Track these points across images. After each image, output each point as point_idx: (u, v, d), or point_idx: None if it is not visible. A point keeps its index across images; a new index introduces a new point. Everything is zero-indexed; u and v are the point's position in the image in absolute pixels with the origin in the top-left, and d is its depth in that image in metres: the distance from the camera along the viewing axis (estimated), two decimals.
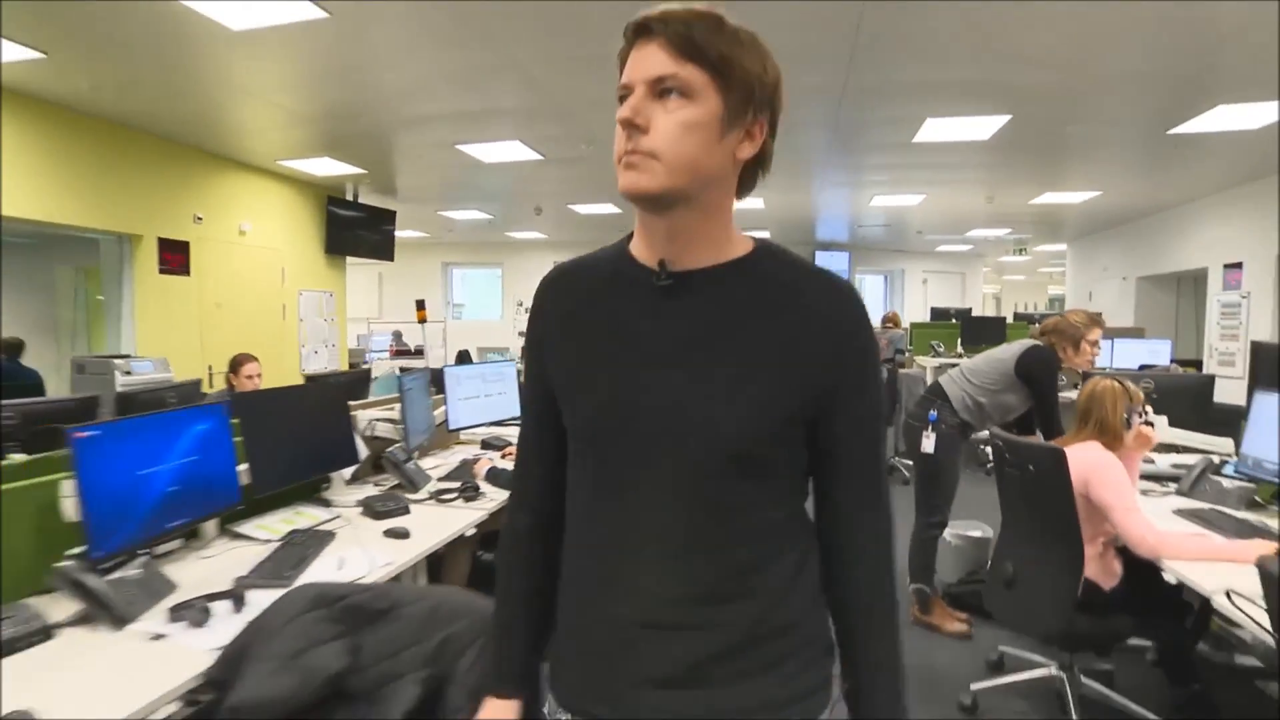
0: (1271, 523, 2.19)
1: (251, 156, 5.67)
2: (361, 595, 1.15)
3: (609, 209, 7.60)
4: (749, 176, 0.77)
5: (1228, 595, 1.56)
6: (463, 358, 8.00)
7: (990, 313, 11.54)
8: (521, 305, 10.58)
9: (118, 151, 4.69)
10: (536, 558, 0.84)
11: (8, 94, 3.86)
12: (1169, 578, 1.97)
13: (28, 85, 3.91)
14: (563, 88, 4.13)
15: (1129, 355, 5.43)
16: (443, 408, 3.14)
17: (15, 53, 3.40)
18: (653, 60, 0.68)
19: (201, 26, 3.17)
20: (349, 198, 7.12)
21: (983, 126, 4.97)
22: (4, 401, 2.59)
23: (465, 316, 11.82)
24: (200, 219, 5.41)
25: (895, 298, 11.96)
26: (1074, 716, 2.22)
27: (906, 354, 6.96)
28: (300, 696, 0.99)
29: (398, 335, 9.28)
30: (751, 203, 7.68)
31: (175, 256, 5.20)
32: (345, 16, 3.13)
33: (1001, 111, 4.68)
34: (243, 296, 5.81)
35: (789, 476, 0.76)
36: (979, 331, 6.51)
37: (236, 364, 3.68)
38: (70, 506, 1.49)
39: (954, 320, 8.23)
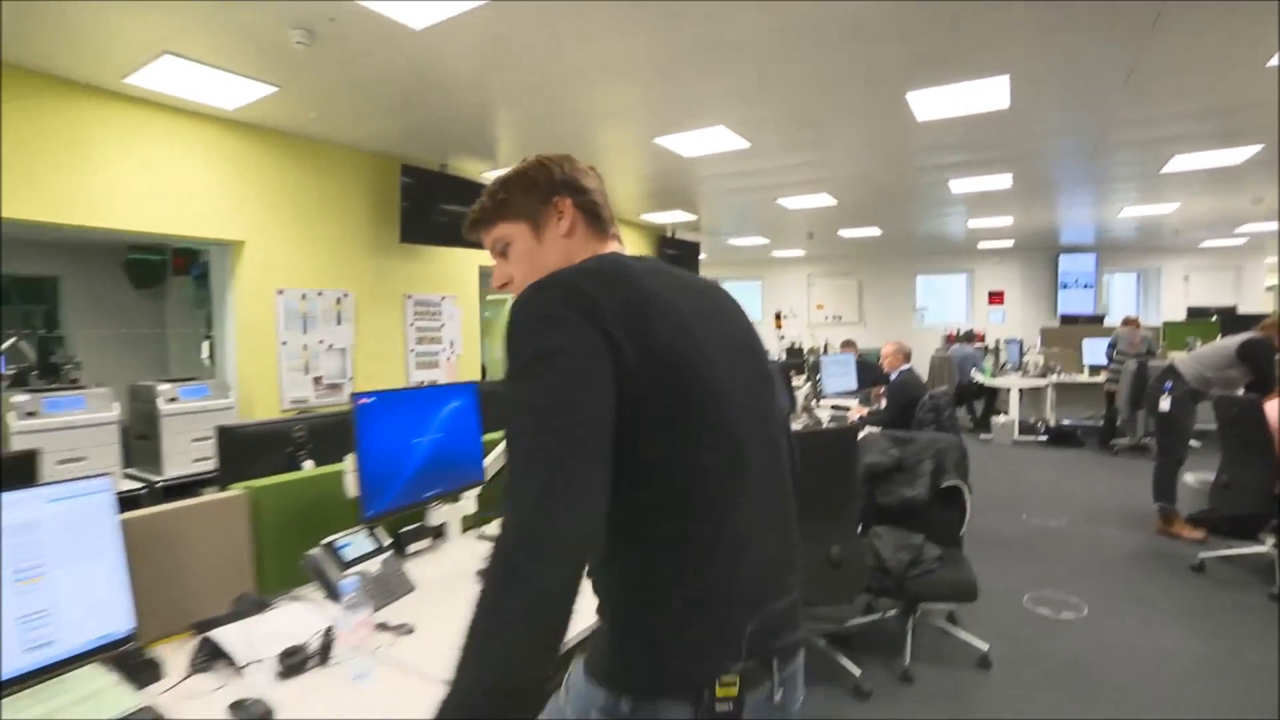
0: None
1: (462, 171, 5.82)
2: None
3: (825, 200, 7.45)
4: (592, 219, 1.04)
5: None
6: None
7: (1264, 308, 11.03)
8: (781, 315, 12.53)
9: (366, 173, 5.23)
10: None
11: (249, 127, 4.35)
12: None
13: (263, 119, 4.26)
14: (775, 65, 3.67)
15: None
16: None
17: (253, 89, 3.72)
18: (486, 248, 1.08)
19: (390, 29, 3.03)
20: None
21: (1233, 155, 5.72)
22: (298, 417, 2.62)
23: None
24: None
25: (1149, 297, 11.92)
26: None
27: (1156, 351, 7.58)
28: None
29: None
30: (1000, 220, 8.82)
31: None
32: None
33: (1252, 141, 5.40)
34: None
35: None
36: (1242, 330, 7.02)
37: None
38: (350, 481, 1.66)
39: (1214, 319, 8.59)
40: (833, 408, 4.95)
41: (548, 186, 1.03)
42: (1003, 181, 6.52)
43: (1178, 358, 4.40)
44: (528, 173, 1.05)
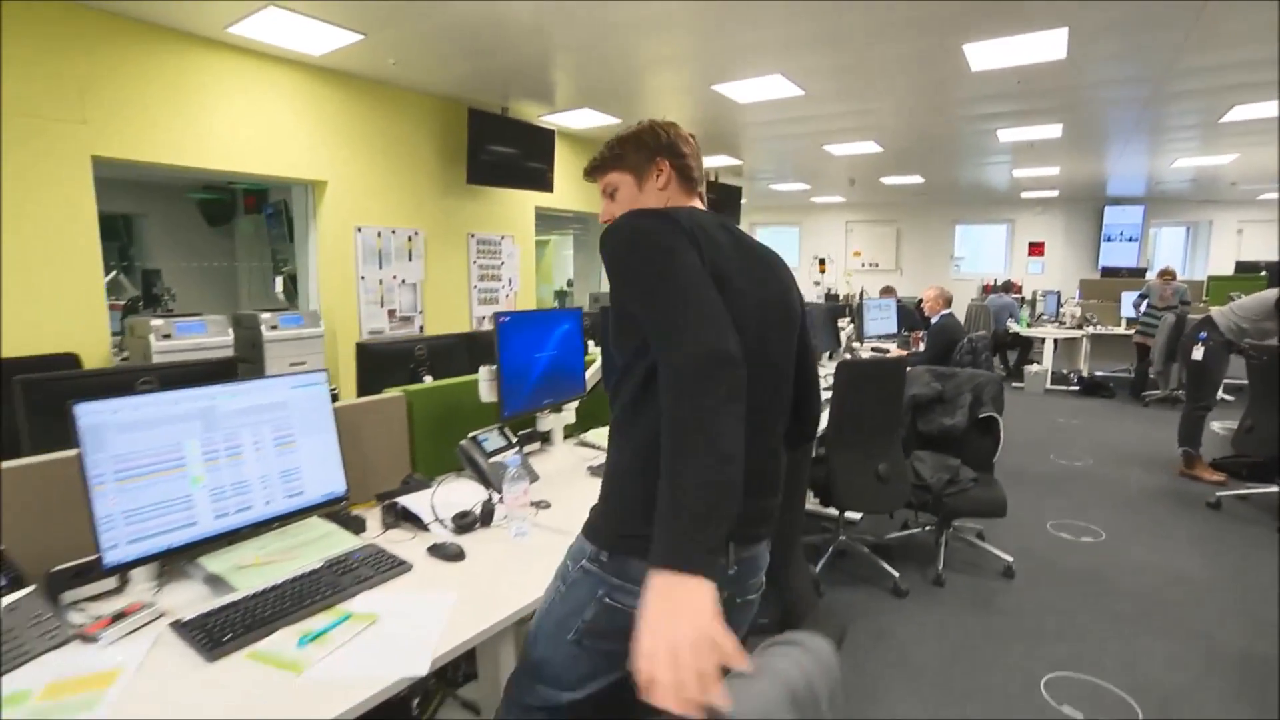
0: None
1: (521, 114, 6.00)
2: None
3: (871, 147, 7.52)
4: (684, 179, 1.25)
5: None
6: None
7: None
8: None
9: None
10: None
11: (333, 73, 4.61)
12: None
13: (346, 65, 4.53)
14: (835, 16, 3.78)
15: None
16: None
17: (341, 36, 3.94)
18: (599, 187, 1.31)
19: None
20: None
21: None
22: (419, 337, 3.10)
23: None
24: None
25: (1197, 250, 11.73)
26: None
27: (1190, 303, 7.59)
28: None
29: None
30: (1046, 170, 8.75)
31: None
32: None
33: None
34: None
35: None
36: None
37: None
38: (485, 389, 2.00)
39: (1263, 273, 8.53)
40: (872, 349, 5.19)
41: (654, 148, 1.24)
42: (1052, 131, 6.51)
43: (1215, 309, 4.54)
44: (640, 135, 1.26)
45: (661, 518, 0.83)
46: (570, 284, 9.42)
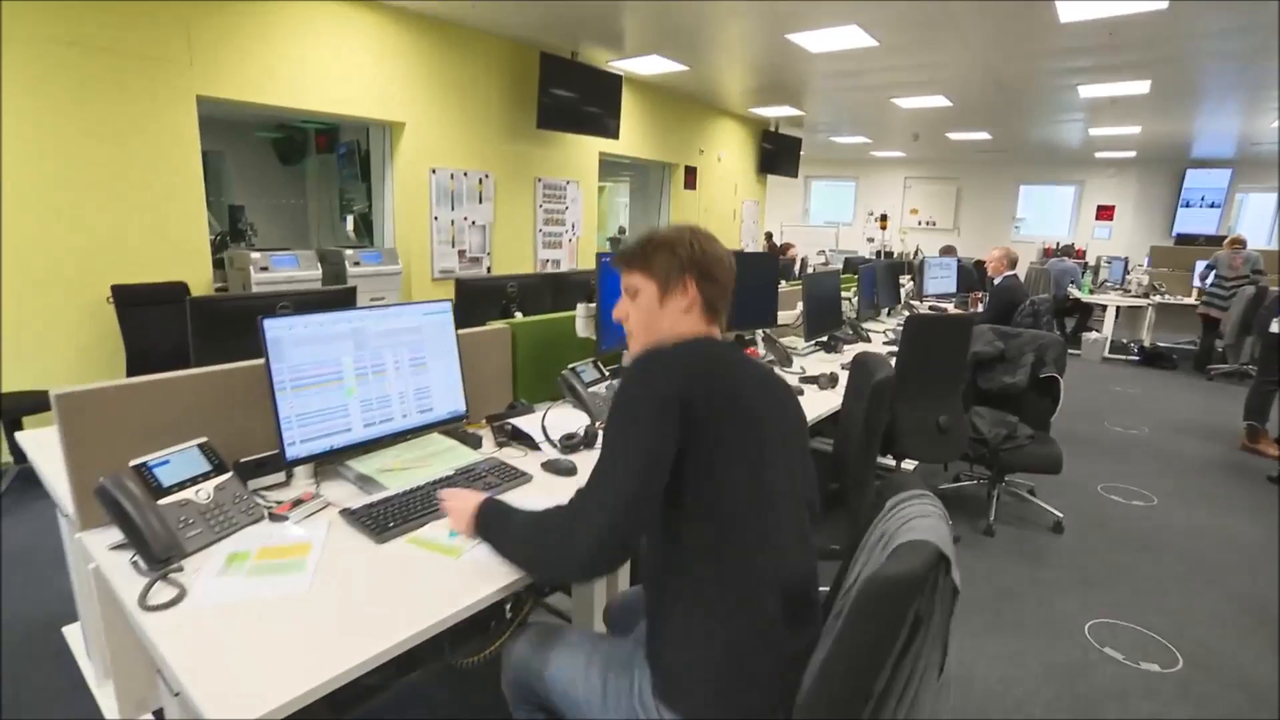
0: None
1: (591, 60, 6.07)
2: None
3: (939, 101, 7.35)
4: (708, 307, 1.22)
5: None
6: None
7: None
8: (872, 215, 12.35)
9: (665, 107, 7.52)
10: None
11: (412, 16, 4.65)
12: None
13: (424, 8, 4.67)
14: None
15: None
16: None
17: None
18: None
19: None
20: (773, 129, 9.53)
21: None
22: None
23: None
24: (702, 151, 8.25)
25: None
26: None
27: (1264, 273, 7.26)
28: None
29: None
30: (1126, 130, 8.35)
31: (690, 178, 8.14)
32: None
33: None
34: (716, 203, 8.68)
35: None
36: None
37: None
38: (582, 325, 2.16)
39: None
40: (929, 307, 5.20)
41: (685, 261, 1.21)
42: (1139, 87, 6.22)
43: None
44: (675, 242, 1.22)
45: (513, 521, 1.21)
46: (622, 230, 9.50)
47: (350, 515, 1.38)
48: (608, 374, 2.22)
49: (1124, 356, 7.80)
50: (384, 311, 1.64)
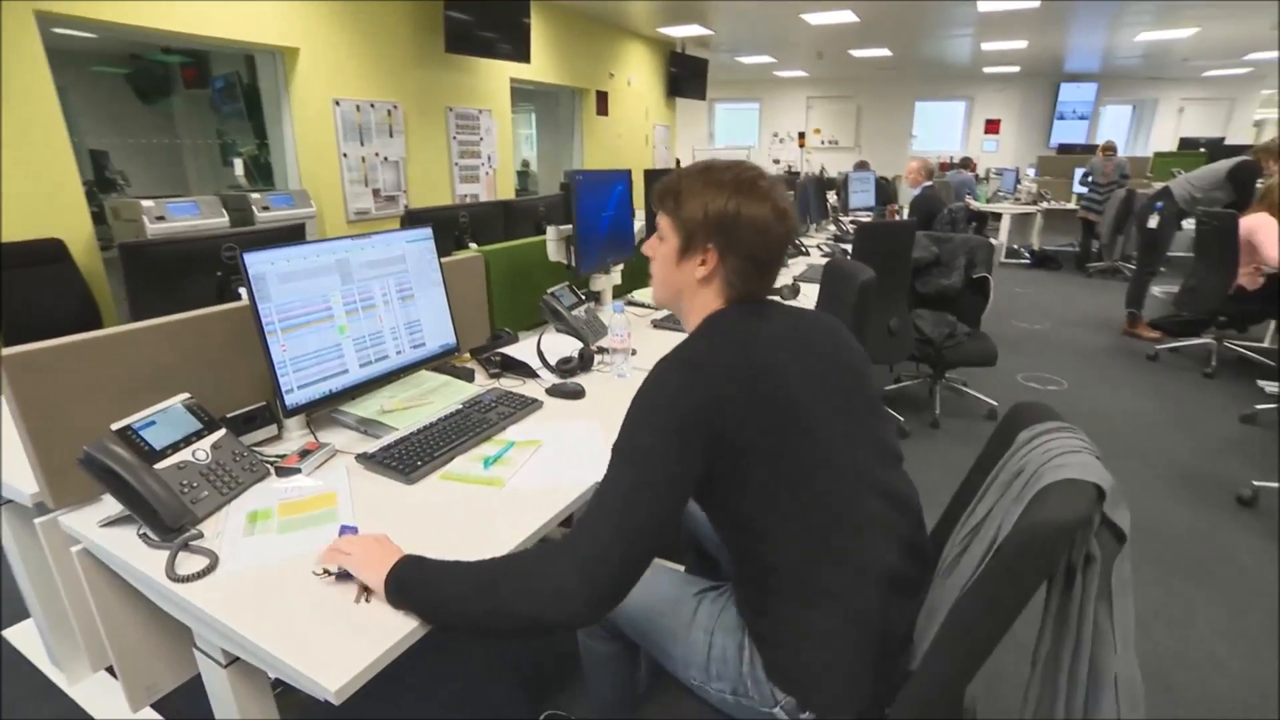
0: None
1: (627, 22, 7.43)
2: None
3: (847, 16, 7.37)
4: (735, 278, 1.00)
5: None
6: None
7: (1249, 140, 11.41)
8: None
9: (574, 30, 7.17)
10: None
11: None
12: None
13: None
14: None
15: None
16: None
17: None
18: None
19: None
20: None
21: None
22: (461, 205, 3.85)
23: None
24: (612, 75, 7.96)
25: (1141, 129, 12.14)
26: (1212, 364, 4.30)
27: (1129, 178, 7.95)
28: None
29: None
30: (1012, 44, 8.74)
31: (602, 104, 7.86)
32: None
33: None
34: (629, 128, 8.46)
35: None
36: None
37: None
38: (554, 248, 2.08)
39: (1202, 150, 8.98)
40: (851, 222, 5.37)
41: (711, 221, 0.99)
42: (1032, 2, 6.48)
43: (1173, 182, 4.85)
44: (710, 193, 0.99)
45: (455, 568, 0.88)
46: (526, 164, 9.07)
47: (370, 459, 1.29)
48: (583, 297, 2.15)
49: (1016, 261, 8.42)
50: (366, 240, 1.49)
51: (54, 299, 3.09)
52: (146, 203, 3.33)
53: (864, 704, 0.91)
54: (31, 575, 1.69)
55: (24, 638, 1.95)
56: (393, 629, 0.86)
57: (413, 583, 0.88)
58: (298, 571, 0.98)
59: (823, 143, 13.31)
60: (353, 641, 0.84)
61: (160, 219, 3.33)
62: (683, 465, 0.85)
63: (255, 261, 1.27)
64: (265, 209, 3.89)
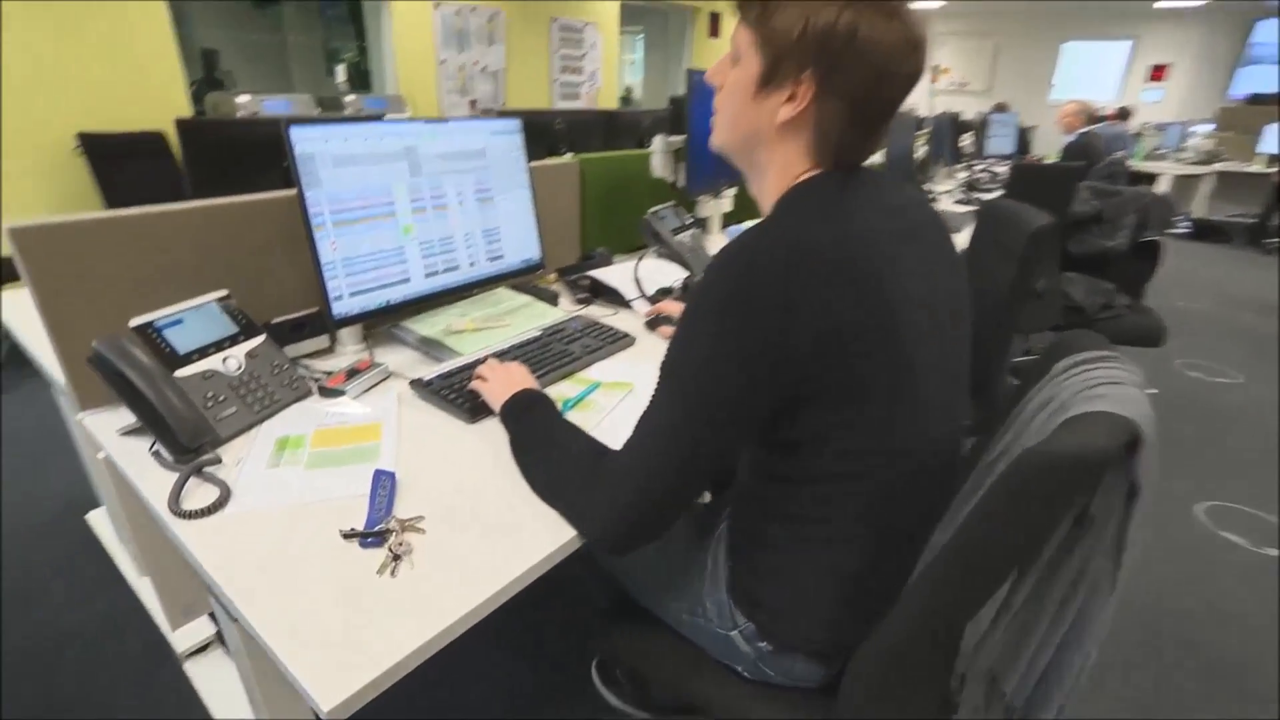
0: None
1: None
2: None
3: None
4: (846, 126, 0.69)
5: None
6: None
7: None
8: None
9: None
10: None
11: None
12: None
13: None
14: None
15: None
16: None
17: None
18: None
19: None
20: None
21: None
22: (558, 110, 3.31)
23: None
24: None
25: None
26: None
27: None
28: None
29: None
30: None
31: (714, 25, 7.28)
32: None
33: None
34: None
35: None
36: None
37: None
38: (659, 163, 1.79)
39: None
40: (982, 170, 4.72)
41: (807, 42, 0.66)
42: None
43: None
44: (809, 3, 0.66)
45: (552, 426, 0.87)
46: (629, 91, 8.53)
47: (424, 388, 1.06)
48: (690, 221, 1.85)
49: (1171, 231, 7.36)
50: (442, 126, 1.24)
51: (153, 191, 3.10)
52: (242, 98, 3.24)
53: (829, 649, 0.81)
54: (92, 464, 1.62)
55: (100, 523, 1.93)
56: (412, 632, 0.64)
57: (524, 408, 0.91)
58: (317, 526, 0.77)
59: (951, 84, 12.04)
60: (361, 641, 0.62)
61: (254, 115, 3.23)
62: (749, 393, 0.66)
63: (303, 138, 1.03)
64: (359, 111, 3.74)
